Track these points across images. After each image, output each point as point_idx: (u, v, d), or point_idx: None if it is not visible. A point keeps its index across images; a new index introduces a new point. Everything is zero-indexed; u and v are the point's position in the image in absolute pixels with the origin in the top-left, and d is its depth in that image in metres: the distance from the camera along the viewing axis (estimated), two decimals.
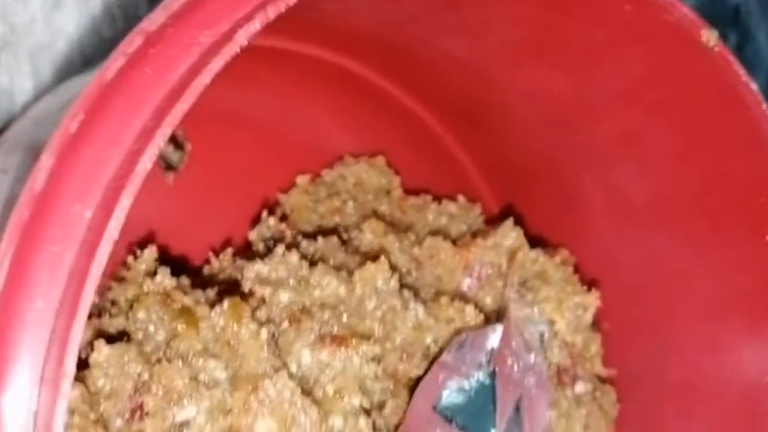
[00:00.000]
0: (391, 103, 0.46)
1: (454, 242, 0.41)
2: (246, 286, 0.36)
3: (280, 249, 0.36)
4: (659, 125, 0.39)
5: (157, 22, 0.27)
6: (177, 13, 0.27)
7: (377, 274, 0.36)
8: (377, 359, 0.35)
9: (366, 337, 0.35)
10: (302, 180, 0.45)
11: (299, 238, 0.41)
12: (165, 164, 0.43)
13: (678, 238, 0.41)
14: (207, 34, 0.27)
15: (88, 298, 0.25)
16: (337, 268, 0.37)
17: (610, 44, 0.37)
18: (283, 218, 0.44)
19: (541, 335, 0.40)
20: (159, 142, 0.25)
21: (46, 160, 0.25)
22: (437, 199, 0.46)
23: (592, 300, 0.41)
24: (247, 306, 0.34)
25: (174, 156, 0.43)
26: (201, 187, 0.43)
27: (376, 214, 0.43)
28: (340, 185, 0.46)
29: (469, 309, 0.38)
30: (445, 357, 0.36)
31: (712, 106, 0.37)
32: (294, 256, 0.36)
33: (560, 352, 0.40)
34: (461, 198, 0.46)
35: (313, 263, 0.37)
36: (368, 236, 0.41)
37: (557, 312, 0.40)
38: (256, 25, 0.26)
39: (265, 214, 0.43)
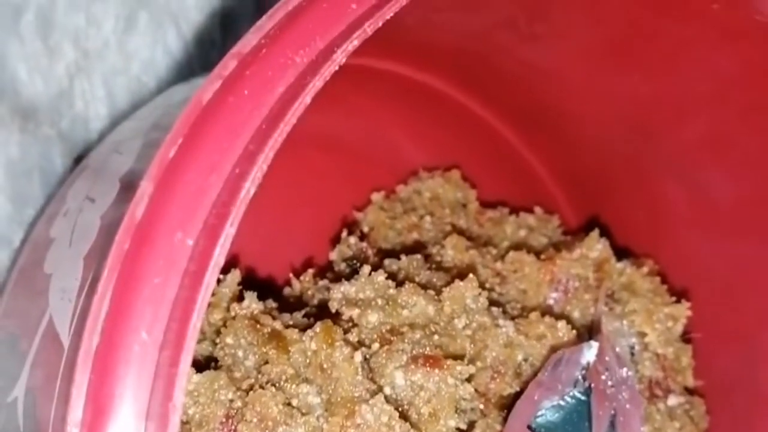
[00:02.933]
0: (466, 115, 0.45)
1: (537, 255, 0.40)
2: (333, 308, 0.35)
3: (366, 269, 0.35)
4: (749, 128, 0.38)
5: (251, 44, 0.26)
6: (270, 34, 0.26)
7: (466, 291, 0.35)
8: (470, 379, 0.34)
9: (458, 356, 0.34)
10: (377, 197, 0.45)
11: (381, 256, 0.40)
12: None
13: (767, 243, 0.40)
14: (302, 54, 0.26)
15: (196, 328, 0.24)
16: (423, 287, 0.36)
17: (698, 43, 0.35)
18: (362, 236, 0.43)
19: (631, 348, 0.40)
20: (262, 166, 0.24)
21: (146, 188, 0.25)
22: (514, 211, 0.45)
23: (683, 310, 0.40)
24: (339, 329, 0.33)
25: None
26: (276, 209, 0.42)
27: (454, 229, 0.43)
28: (416, 200, 0.45)
29: (561, 324, 0.37)
30: (541, 376, 0.35)
31: None
32: (381, 276, 0.35)
33: (652, 364, 0.39)
34: (538, 209, 0.45)
35: (399, 282, 0.36)
36: (450, 252, 0.40)
37: (647, 324, 0.39)
38: (354, 42, 0.25)
39: (345, 233, 0.42)
